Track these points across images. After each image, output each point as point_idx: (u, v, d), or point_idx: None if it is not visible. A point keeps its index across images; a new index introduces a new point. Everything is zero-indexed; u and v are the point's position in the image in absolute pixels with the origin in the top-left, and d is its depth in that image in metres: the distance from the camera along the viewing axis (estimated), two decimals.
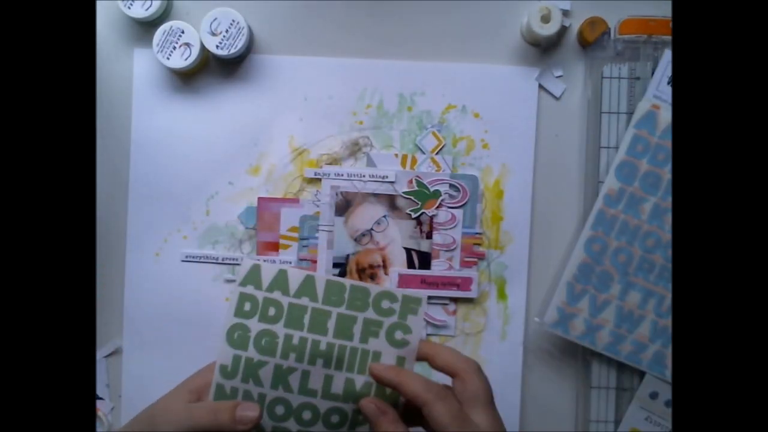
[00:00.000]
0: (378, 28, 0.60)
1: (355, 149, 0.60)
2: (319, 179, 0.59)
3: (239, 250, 0.60)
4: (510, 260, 0.60)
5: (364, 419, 0.45)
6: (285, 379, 0.45)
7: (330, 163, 0.59)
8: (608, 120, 0.58)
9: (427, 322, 0.60)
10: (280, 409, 0.45)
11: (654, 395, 0.58)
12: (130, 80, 0.59)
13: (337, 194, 0.59)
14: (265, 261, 0.50)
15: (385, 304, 0.46)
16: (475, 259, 0.60)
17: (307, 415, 0.45)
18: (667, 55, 0.57)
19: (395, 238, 0.59)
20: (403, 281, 0.59)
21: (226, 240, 0.60)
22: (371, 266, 0.59)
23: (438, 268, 0.59)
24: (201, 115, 0.60)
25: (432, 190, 0.59)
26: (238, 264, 0.60)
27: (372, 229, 0.59)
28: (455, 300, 0.60)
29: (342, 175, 0.59)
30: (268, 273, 0.45)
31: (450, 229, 0.59)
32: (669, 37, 0.58)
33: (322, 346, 0.45)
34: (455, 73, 0.59)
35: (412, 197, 0.59)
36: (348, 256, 0.59)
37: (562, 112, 0.60)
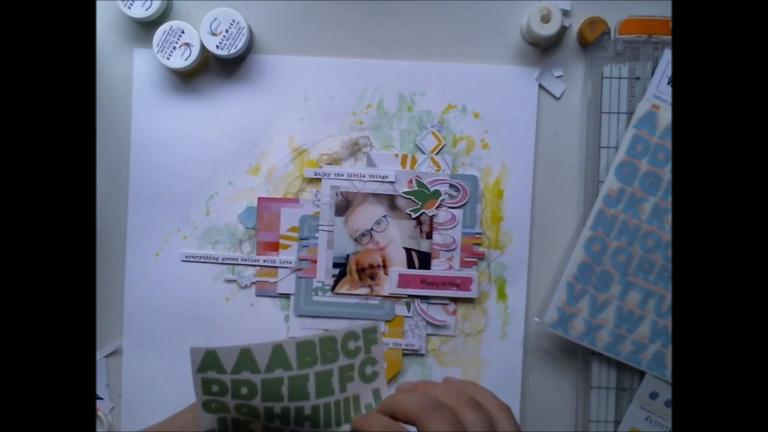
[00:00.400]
0: (378, 28, 0.60)
1: (355, 149, 0.60)
2: (319, 179, 0.59)
3: (239, 250, 0.60)
4: (510, 260, 0.60)
5: None
6: None
7: (330, 163, 0.59)
8: (608, 120, 0.59)
9: (428, 322, 0.60)
10: None
11: (654, 395, 0.58)
12: (130, 80, 0.59)
13: (337, 194, 0.59)
14: (222, 347, 0.41)
15: (351, 344, 0.43)
16: (475, 259, 0.60)
17: None
18: (667, 55, 0.57)
19: (395, 238, 0.59)
20: (403, 281, 0.59)
21: (226, 240, 0.60)
22: (371, 266, 0.59)
23: (438, 268, 0.59)
24: (201, 115, 0.60)
25: (432, 190, 0.59)
26: (238, 264, 0.60)
27: (372, 229, 0.59)
28: (455, 300, 0.60)
29: (342, 175, 0.59)
30: (228, 357, 0.41)
31: (450, 229, 0.59)
32: (669, 37, 0.58)
33: (307, 411, 0.42)
34: (455, 73, 0.59)
35: (412, 197, 0.59)
36: (348, 256, 0.59)
37: (562, 112, 0.60)
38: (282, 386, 0.41)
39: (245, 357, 0.41)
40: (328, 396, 0.43)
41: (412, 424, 0.39)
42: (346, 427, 0.43)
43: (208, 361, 0.40)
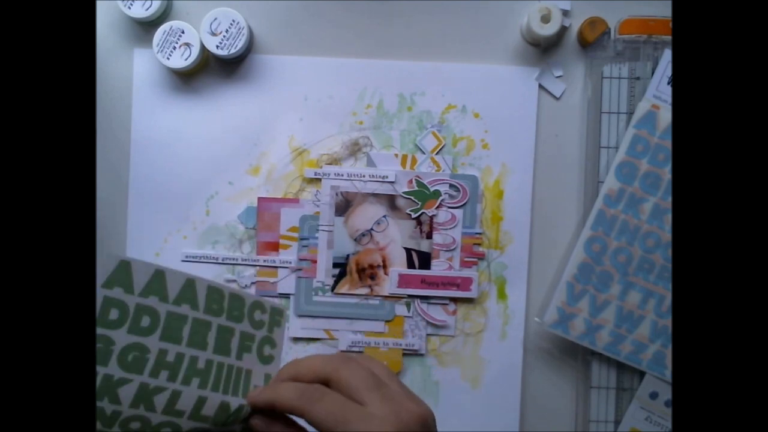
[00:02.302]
0: (378, 28, 0.60)
1: (355, 149, 0.60)
2: (319, 179, 0.59)
3: (239, 250, 0.60)
4: (510, 260, 0.60)
5: None
6: (149, 399, 0.37)
7: (330, 163, 0.59)
8: (608, 120, 0.59)
9: (427, 322, 0.60)
10: (135, 425, 0.38)
11: (654, 395, 0.58)
12: (130, 80, 0.59)
13: (337, 194, 0.59)
14: (138, 259, 0.38)
15: (257, 315, 0.41)
16: (475, 259, 0.60)
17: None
18: (667, 55, 0.57)
19: (395, 238, 0.59)
20: (403, 281, 0.59)
21: (226, 240, 0.60)
22: (371, 266, 0.59)
23: (438, 268, 0.59)
24: (201, 115, 0.60)
25: (432, 190, 0.59)
26: (238, 264, 0.60)
27: (372, 229, 0.59)
28: (455, 300, 0.60)
29: (342, 175, 0.59)
30: (141, 275, 0.37)
31: (450, 229, 0.59)
32: (669, 37, 0.58)
33: (200, 364, 0.39)
34: (455, 73, 0.59)
35: (412, 197, 0.59)
36: (348, 256, 0.59)
37: (562, 112, 0.60)
38: (185, 326, 0.38)
39: (158, 280, 0.38)
40: (224, 355, 0.40)
41: (325, 381, 0.38)
42: (235, 400, 0.40)
43: (118, 275, 0.37)
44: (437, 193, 0.59)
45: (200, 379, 0.39)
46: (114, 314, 0.37)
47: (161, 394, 0.38)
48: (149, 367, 0.37)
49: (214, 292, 0.39)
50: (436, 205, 0.59)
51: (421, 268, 0.59)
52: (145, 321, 0.37)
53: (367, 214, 0.59)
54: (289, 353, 0.60)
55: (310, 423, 0.37)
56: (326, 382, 0.38)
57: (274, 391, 0.38)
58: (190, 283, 0.39)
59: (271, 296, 0.60)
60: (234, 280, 0.60)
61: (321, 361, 0.38)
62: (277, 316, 0.42)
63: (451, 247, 0.59)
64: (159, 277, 0.38)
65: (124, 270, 0.37)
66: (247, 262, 0.60)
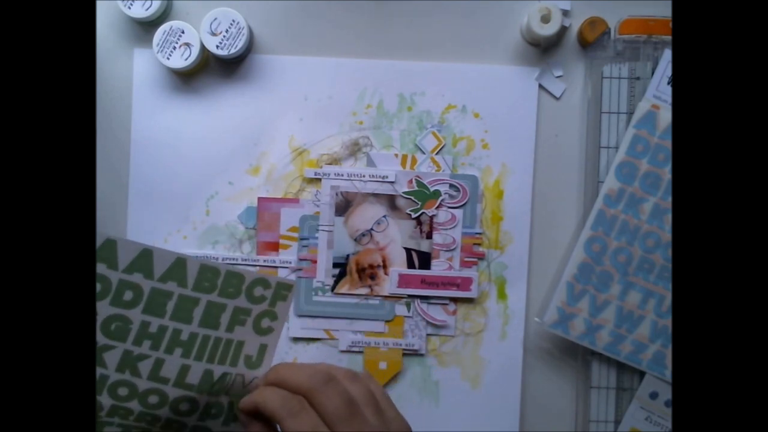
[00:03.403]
0: (378, 28, 0.60)
1: (355, 149, 0.60)
2: (319, 179, 0.59)
3: (239, 250, 0.60)
4: (510, 260, 0.60)
5: (216, 411, 0.42)
6: (133, 365, 0.40)
7: (330, 163, 0.59)
8: (608, 120, 0.59)
9: (428, 323, 0.60)
10: (123, 391, 0.40)
11: (654, 395, 0.58)
12: (130, 80, 0.59)
13: (337, 194, 0.59)
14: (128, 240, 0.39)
15: (258, 291, 0.42)
16: (475, 259, 0.60)
17: (153, 399, 0.40)
18: (667, 55, 0.57)
19: (395, 238, 0.59)
20: (403, 281, 0.59)
21: (226, 240, 0.60)
22: (371, 266, 0.59)
23: (438, 268, 0.59)
24: (201, 115, 0.60)
25: (432, 190, 0.59)
26: (238, 264, 0.60)
27: (372, 229, 0.59)
28: (455, 300, 0.60)
29: (342, 175, 0.59)
30: (126, 253, 0.39)
31: (450, 229, 0.59)
32: (669, 37, 0.58)
33: (184, 336, 0.40)
34: (455, 73, 0.59)
35: (412, 197, 0.59)
36: (348, 256, 0.59)
37: (562, 112, 0.60)
38: (169, 302, 0.39)
39: (144, 258, 0.39)
40: (211, 329, 0.41)
41: (304, 396, 0.38)
42: (219, 368, 0.41)
43: (103, 252, 0.38)
44: (437, 193, 0.59)
45: (183, 349, 0.40)
46: (96, 287, 0.38)
47: (145, 360, 0.40)
48: (132, 336, 0.39)
49: (208, 270, 0.40)
50: (436, 205, 0.59)
51: (421, 268, 0.59)
52: (128, 295, 0.39)
53: (367, 214, 0.59)
54: (289, 353, 0.60)
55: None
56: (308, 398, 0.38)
57: (260, 395, 0.39)
58: (180, 262, 0.39)
59: None
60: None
61: (306, 376, 0.39)
62: (283, 291, 0.43)
63: (451, 247, 0.59)
64: (145, 255, 0.39)
65: (108, 248, 0.38)
66: (247, 262, 0.60)
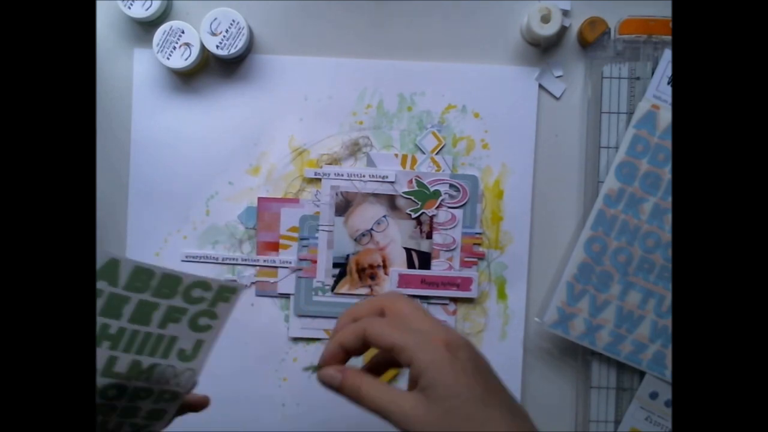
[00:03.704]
0: (378, 28, 0.60)
1: (355, 149, 0.60)
2: (319, 179, 0.59)
3: (239, 250, 0.60)
4: (510, 260, 0.60)
5: (145, 394, 0.43)
6: None
7: (330, 163, 0.59)
8: (608, 120, 0.59)
9: None
10: None
11: (654, 395, 0.58)
12: (130, 80, 0.59)
13: (337, 194, 0.59)
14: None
15: (197, 292, 0.42)
16: (475, 259, 0.60)
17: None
18: (667, 55, 0.57)
19: (395, 238, 0.59)
20: (403, 281, 0.59)
21: (226, 240, 0.60)
22: (371, 266, 0.59)
23: (438, 268, 0.59)
24: (201, 115, 0.60)
25: (432, 190, 0.59)
26: (238, 264, 0.60)
27: (372, 229, 0.59)
28: (455, 300, 0.60)
29: (342, 175, 0.59)
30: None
31: (450, 229, 0.59)
32: (669, 37, 0.58)
33: (112, 330, 0.41)
34: (455, 73, 0.59)
35: (412, 197, 0.59)
36: (348, 256, 0.59)
37: (562, 112, 0.60)
38: (98, 299, 0.40)
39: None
40: (140, 324, 0.41)
41: (380, 314, 0.43)
42: (147, 360, 0.42)
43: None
44: (437, 193, 0.59)
45: (110, 342, 0.41)
46: None
47: None
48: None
49: (142, 272, 0.40)
50: (436, 205, 0.59)
51: (421, 268, 0.59)
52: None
53: (367, 214, 0.59)
54: (289, 353, 0.60)
55: (370, 339, 0.41)
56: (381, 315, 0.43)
57: (337, 336, 0.43)
58: (112, 262, 0.40)
59: (270, 296, 0.60)
60: (234, 280, 0.60)
61: (375, 298, 0.44)
62: (226, 293, 0.43)
63: (451, 247, 0.59)
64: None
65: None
66: (247, 262, 0.60)
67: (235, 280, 0.59)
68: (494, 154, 0.60)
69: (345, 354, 0.44)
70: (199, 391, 0.61)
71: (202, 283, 0.42)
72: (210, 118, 0.60)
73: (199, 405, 0.48)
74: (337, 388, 0.43)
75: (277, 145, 0.60)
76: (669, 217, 0.57)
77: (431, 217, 0.59)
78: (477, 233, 0.60)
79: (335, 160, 0.59)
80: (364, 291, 0.59)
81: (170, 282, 0.42)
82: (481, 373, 0.41)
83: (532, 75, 0.60)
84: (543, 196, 0.60)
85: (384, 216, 0.59)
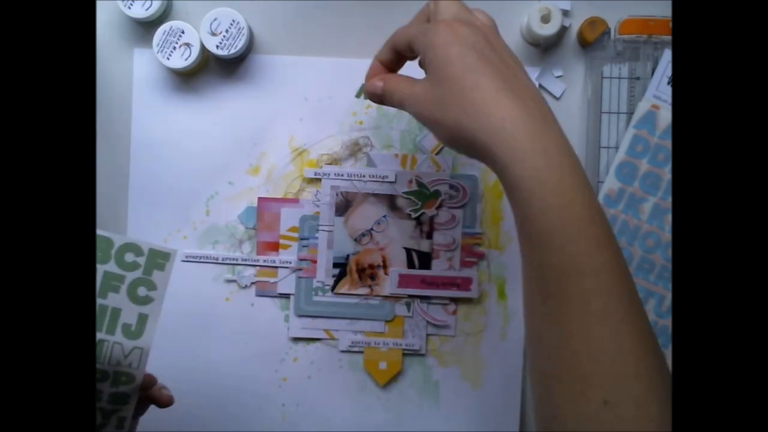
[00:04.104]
0: (378, 28, 0.60)
1: (355, 149, 0.60)
2: (319, 179, 0.59)
3: (239, 250, 0.60)
4: (510, 260, 0.60)
5: (100, 377, 0.44)
6: None
7: (330, 163, 0.59)
8: (608, 120, 0.59)
9: (428, 322, 0.60)
10: None
11: None
12: (130, 80, 0.59)
13: (337, 194, 0.59)
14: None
15: (129, 257, 0.43)
16: (475, 259, 0.60)
17: None
18: (667, 55, 0.57)
19: (395, 238, 0.59)
20: (403, 281, 0.59)
21: (226, 240, 0.60)
22: (371, 266, 0.59)
23: (438, 268, 0.59)
24: (201, 115, 0.60)
25: (432, 190, 0.59)
26: (238, 264, 0.60)
27: (372, 229, 0.59)
28: (455, 300, 0.60)
29: (342, 175, 0.59)
30: None
31: (450, 229, 0.59)
32: (669, 37, 0.58)
33: None
34: None
35: (412, 197, 0.59)
36: (348, 256, 0.59)
37: (562, 112, 0.60)
38: None
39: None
40: None
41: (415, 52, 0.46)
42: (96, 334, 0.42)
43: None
44: (437, 193, 0.59)
45: None
46: None
47: None
48: None
49: None
50: (436, 205, 0.59)
51: (421, 268, 0.59)
52: None
53: (367, 214, 0.59)
54: (289, 353, 0.60)
55: (396, 45, 0.47)
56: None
57: (375, 55, 0.50)
58: None
59: (270, 296, 0.60)
60: (234, 280, 0.60)
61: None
62: (159, 259, 0.44)
63: (451, 247, 0.59)
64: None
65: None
66: (247, 262, 0.60)
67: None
68: None
69: (386, 68, 0.49)
70: (199, 389, 0.61)
71: (133, 246, 0.43)
72: (210, 118, 0.60)
73: (163, 401, 0.48)
74: (380, 95, 0.47)
75: (277, 145, 0.60)
76: (669, 217, 0.57)
77: (431, 217, 0.59)
78: (477, 233, 0.60)
79: (335, 160, 0.59)
80: (364, 291, 0.59)
81: (102, 244, 0.42)
82: (479, 48, 0.42)
83: (532, 75, 0.59)
84: None
85: (384, 216, 0.59)
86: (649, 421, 0.37)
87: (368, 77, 0.49)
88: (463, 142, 0.41)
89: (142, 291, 0.44)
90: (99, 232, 0.42)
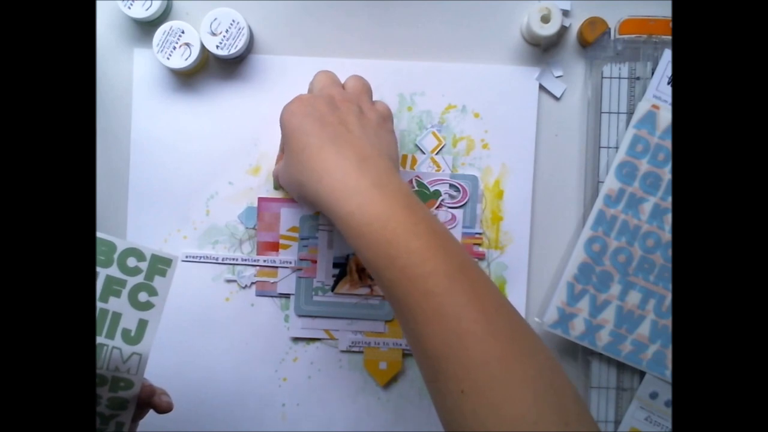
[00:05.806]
0: (378, 28, 0.60)
1: None
2: None
3: (239, 250, 0.60)
4: (510, 260, 0.60)
5: (99, 381, 0.44)
6: None
7: None
8: (608, 120, 0.59)
9: None
10: None
11: (654, 395, 0.58)
12: (130, 80, 0.59)
13: None
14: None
15: (132, 261, 0.43)
16: (475, 259, 0.60)
17: None
18: (667, 55, 0.57)
19: None
20: None
21: (226, 240, 0.60)
22: None
23: None
24: (201, 115, 0.60)
25: (432, 190, 0.59)
26: (238, 264, 0.60)
27: None
28: None
29: None
30: None
31: (450, 229, 0.59)
32: (669, 37, 0.58)
33: None
34: (455, 73, 0.59)
35: None
36: (348, 256, 0.59)
37: (562, 112, 0.60)
38: None
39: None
40: None
41: None
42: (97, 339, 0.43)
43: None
44: (437, 193, 0.59)
45: None
46: None
47: None
48: None
49: None
50: (436, 205, 0.59)
51: None
52: None
53: None
54: (289, 353, 0.60)
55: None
56: None
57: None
58: None
59: (270, 296, 0.60)
60: (234, 280, 0.60)
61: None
62: (160, 265, 0.44)
63: None
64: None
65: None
66: (247, 262, 0.60)
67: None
68: (494, 154, 0.60)
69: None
70: (199, 389, 0.61)
71: (136, 251, 0.43)
72: (210, 118, 0.60)
73: (162, 408, 0.49)
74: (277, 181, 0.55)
75: (277, 145, 0.60)
76: (669, 217, 0.57)
77: None
78: (477, 233, 0.60)
79: None
80: (364, 291, 0.59)
81: (105, 248, 0.42)
82: (318, 113, 0.48)
83: (532, 75, 0.60)
84: (543, 196, 0.60)
85: None
86: (511, 404, 0.39)
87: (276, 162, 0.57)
88: (307, 198, 0.47)
89: (143, 296, 0.44)
90: (102, 235, 0.42)
